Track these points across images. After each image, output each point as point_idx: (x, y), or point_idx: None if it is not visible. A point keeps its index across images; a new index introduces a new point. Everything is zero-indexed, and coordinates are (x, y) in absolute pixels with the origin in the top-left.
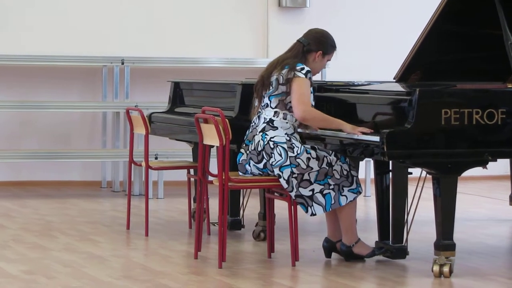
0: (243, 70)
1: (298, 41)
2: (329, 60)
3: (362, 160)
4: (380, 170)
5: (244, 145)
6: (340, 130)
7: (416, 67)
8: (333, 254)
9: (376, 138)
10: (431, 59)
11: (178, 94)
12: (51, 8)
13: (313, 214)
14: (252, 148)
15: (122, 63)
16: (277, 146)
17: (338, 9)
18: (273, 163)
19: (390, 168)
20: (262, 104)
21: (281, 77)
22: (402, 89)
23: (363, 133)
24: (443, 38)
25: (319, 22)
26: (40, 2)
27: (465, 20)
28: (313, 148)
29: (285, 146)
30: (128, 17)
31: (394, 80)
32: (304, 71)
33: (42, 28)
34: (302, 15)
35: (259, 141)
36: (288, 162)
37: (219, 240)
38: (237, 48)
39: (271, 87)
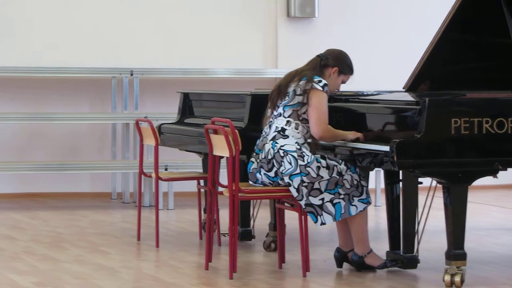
0: (252, 81)
1: (317, 55)
2: (344, 82)
3: (372, 170)
4: (391, 180)
5: (254, 154)
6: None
7: (426, 77)
8: (344, 264)
9: (386, 148)
10: (440, 68)
11: (187, 105)
12: (60, 20)
13: (322, 223)
14: (263, 157)
15: (131, 74)
16: (287, 154)
17: (347, 19)
18: (283, 171)
19: (401, 178)
20: (275, 114)
21: (298, 88)
22: (411, 99)
23: (364, 141)
24: (453, 47)
25: (327, 32)
26: (49, 14)
27: (474, 29)
28: (323, 157)
29: (295, 154)
30: (137, 28)
31: (404, 90)
32: (321, 84)
33: (51, 40)
34: (311, 25)
35: (269, 149)
36: (298, 171)
37: (229, 251)
38: (246, 58)
39: (287, 97)
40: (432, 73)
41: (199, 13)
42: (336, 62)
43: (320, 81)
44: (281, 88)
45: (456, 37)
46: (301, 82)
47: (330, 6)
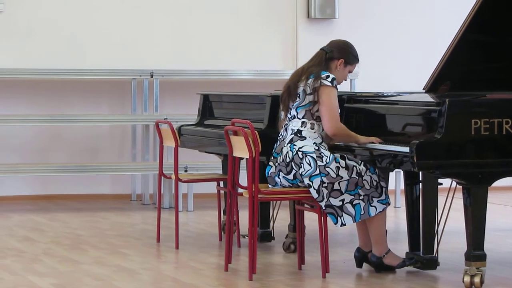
0: (272, 82)
1: (321, 49)
2: (351, 71)
3: (392, 171)
4: (410, 181)
5: (272, 157)
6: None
7: (446, 78)
8: (364, 265)
9: (406, 149)
10: (460, 69)
11: (207, 106)
12: (80, 22)
13: (342, 225)
14: (281, 160)
15: (151, 76)
16: (306, 156)
17: (367, 20)
18: (303, 173)
19: (420, 179)
20: (289, 116)
21: (307, 87)
22: (431, 100)
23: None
24: (473, 48)
25: (348, 33)
26: (69, 16)
27: (494, 29)
28: (342, 157)
29: (314, 155)
30: (157, 30)
31: (424, 91)
32: (329, 79)
33: (71, 42)
34: (331, 26)
35: (287, 152)
36: (317, 172)
37: (249, 252)
38: (266, 60)
39: (298, 98)
40: (452, 74)
41: (218, 14)
42: (341, 54)
43: (328, 76)
44: (290, 90)
45: (476, 38)
46: (309, 81)
47: (350, 7)
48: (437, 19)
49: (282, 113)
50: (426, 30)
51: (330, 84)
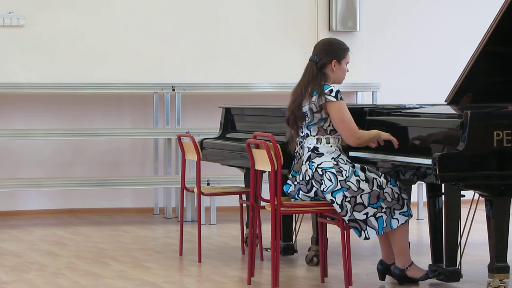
0: None
1: (309, 60)
2: (348, 62)
3: (414, 183)
4: (433, 193)
5: (290, 176)
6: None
7: (468, 89)
8: (387, 278)
9: (428, 161)
10: (482, 81)
11: (229, 119)
12: (101, 36)
13: (366, 238)
14: (300, 179)
15: (173, 90)
16: (325, 172)
17: (389, 32)
18: (324, 190)
19: (443, 191)
20: (302, 134)
21: (313, 105)
22: (453, 112)
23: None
24: (494, 60)
25: (369, 46)
26: (90, 31)
27: None
28: (362, 168)
29: (333, 170)
30: (178, 43)
31: (446, 103)
32: (333, 94)
33: (93, 56)
34: (353, 39)
35: (306, 170)
36: (339, 186)
37: (272, 265)
38: (287, 73)
39: (306, 118)
40: (474, 85)
41: (240, 28)
42: (330, 55)
43: (331, 91)
44: (295, 114)
45: (498, 50)
46: (314, 98)
47: (372, 20)
48: (459, 31)
49: (293, 133)
50: (448, 42)
51: (335, 99)
